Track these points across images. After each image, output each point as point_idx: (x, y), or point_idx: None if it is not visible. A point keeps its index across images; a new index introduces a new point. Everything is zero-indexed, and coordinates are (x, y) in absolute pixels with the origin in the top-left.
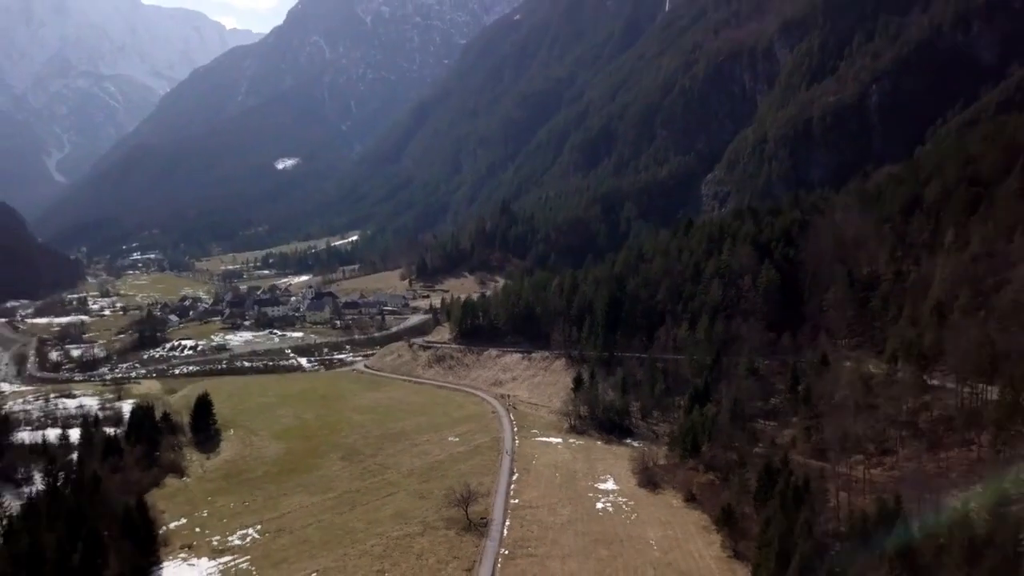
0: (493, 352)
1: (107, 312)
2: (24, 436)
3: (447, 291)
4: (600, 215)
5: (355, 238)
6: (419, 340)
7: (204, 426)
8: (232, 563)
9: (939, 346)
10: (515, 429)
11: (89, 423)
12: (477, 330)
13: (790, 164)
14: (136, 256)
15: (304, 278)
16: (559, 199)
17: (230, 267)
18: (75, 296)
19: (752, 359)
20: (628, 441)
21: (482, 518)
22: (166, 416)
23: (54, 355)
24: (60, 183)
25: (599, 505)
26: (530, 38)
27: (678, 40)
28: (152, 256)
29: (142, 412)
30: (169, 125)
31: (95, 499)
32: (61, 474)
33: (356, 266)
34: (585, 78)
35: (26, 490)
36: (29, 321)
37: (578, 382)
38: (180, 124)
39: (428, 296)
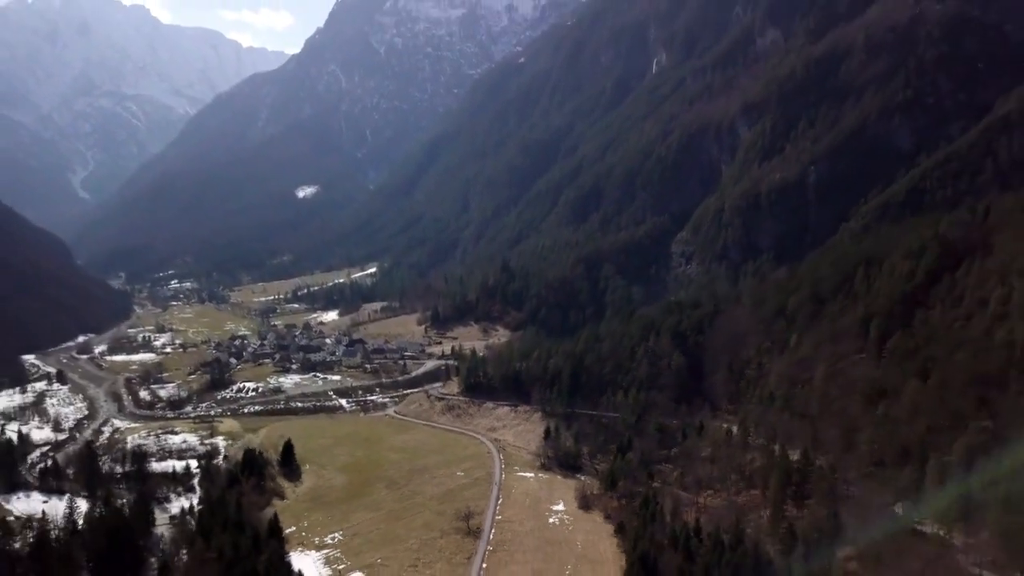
0: (490, 405)
1: (169, 349)
2: (154, 465)
3: (456, 338)
4: (583, 274)
5: (373, 270)
6: (435, 391)
7: (289, 462)
8: (330, 553)
9: (767, 420)
10: (503, 466)
11: (200, 457)
12: (479, 385)
13: (743, 231)
14: (174, 284)
15: (332, 315)
16: (552, 251)
17: (261, 299)
18: (134, 329)
19: (660, 421)
20: (578, 476)
21: (478, 528)
22: (261, 454)
23: (144, 394)
24: (84, 200)
25: (551, 520)
26: (533, 84)
27: (659, 108)
28: (188, 285)
29: (252, 453)
30: (194, 151)
31: (240, 513)
32: (195, 496)
33: (378, 306)
34: (581, 129)
35: (169, 507)
36: (108, 359)
37: (547, 432)
38: (204, 150)
39: (440, 343)
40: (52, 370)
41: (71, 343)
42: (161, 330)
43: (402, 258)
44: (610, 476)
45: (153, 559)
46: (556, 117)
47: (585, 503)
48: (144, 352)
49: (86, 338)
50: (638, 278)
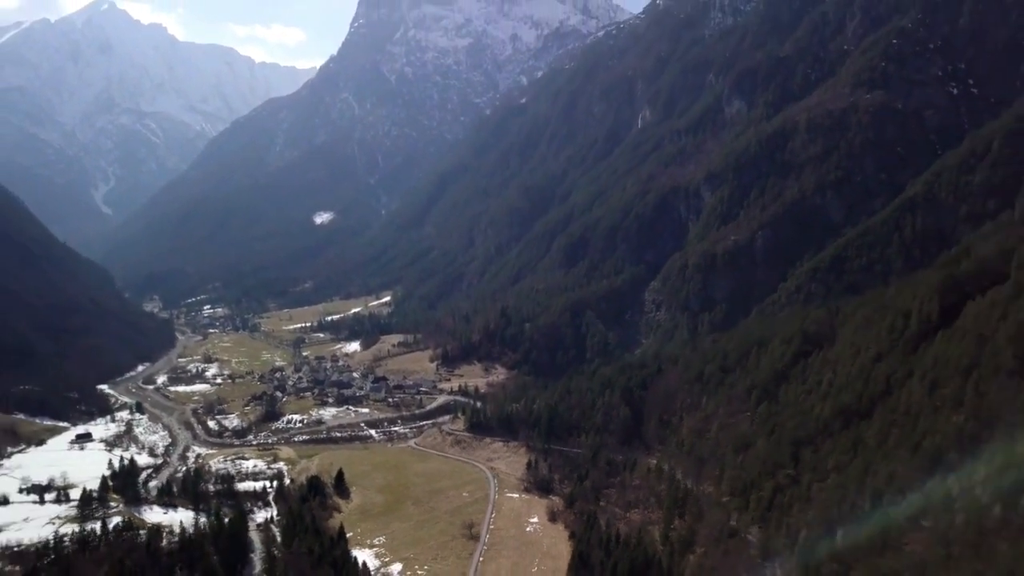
0: (487, 440)
1: (220, 380)
2: (237, 485)
3: (462, 376)
4: (568, 320)
5: (388, 299)
6: (447, 427)
7: (341, 485)
8: (377, 551)
9: (679, 459)
10: (496, 489)
11: (270, 479)
12: (479, 424)
13: (702, 285)
14: (207, 309)
15: (354, 345)
16: (545, 295)
17: (289, 327)
18: (183, 359)
19: (609, 457)
20: (550, 496)
21: (477, 533)
22: (320, 478)
23: (212, 424)
24: (108, 215)
25: (528, 528)
26: (533, 129)
27: (640, 166)
28: (220, 311)
29: (315, 478)
30: (215, 175)
31: (314, 522)
32: (271, 510)
33: (396, 340)
34: (574, 176)
35: (254, 518)
36: (172, 389)
37: (529, 463)
38: (225, 175)
39: (449, 380)
40: (129, 400)
41: (133, 373)
42: (208, 360)
43: (414, 289)
44: (571, 497)
45: (252, 554)
46: (553, 163)
47: (552, 517)
48: (199, 383)
49: (144, 367)
50: (615, 322)
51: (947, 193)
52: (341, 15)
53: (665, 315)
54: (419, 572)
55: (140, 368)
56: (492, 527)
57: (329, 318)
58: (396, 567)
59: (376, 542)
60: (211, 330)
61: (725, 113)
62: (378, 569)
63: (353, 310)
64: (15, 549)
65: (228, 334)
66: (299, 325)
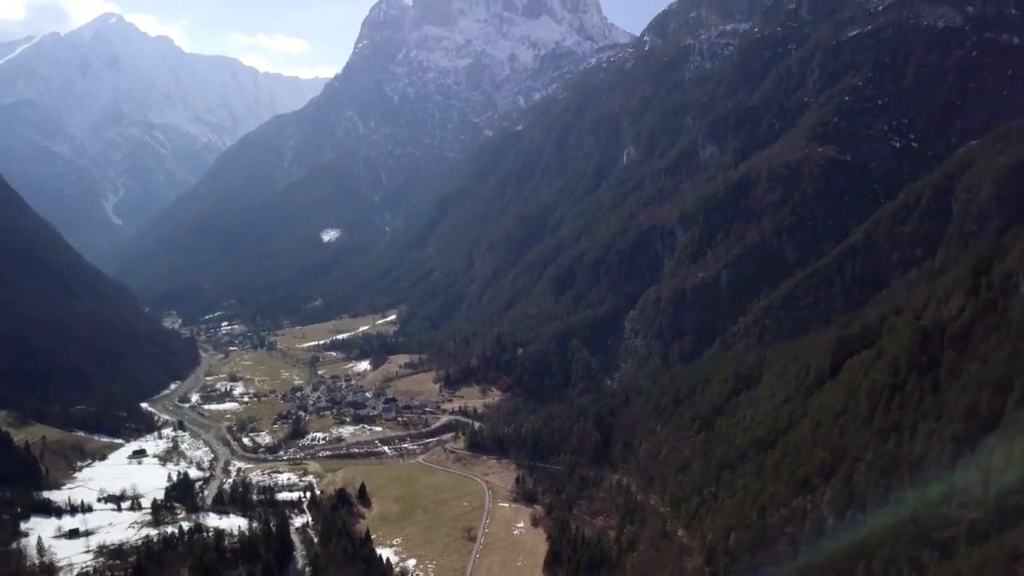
0: (484, 457)
1: (247, 399)
2: (277, 496)
3: (463, 397)
4: (556, 348)
5: (393, 317)
6: (449, 446)
7: (363, 495)
8: (396, 549)
9: (637, 476)
10: (491, 499)
11: (302, 490)
12: (477, 444)
13: (673, 316)
14: (225, 326)
15: (364, 364)
16: (536, 321)
17: (303, 345)
18: (211, 378)
19: (582, 474)
20: (534, 506)
21: (475, 536)
22: (345, 490)
23: (246, 440)
24: (118, 226)
25: (515, 532)
26: (528, 159)
27: (622, 203)
28: (237, 327)
29: (343, 490)
30: (225, 191)
31: (345, 527)
32: (306, 516)
33: (403, 361)
34: (564, 208)
35: (293, 523)
36: (206, 407)
37: (518, 478)
38: (235, 192)
39: (451, 401)
40: (170, 418)
41: (167, 391)
42: (234, 379)
43: (418, 309)
44: (550, 507)
45: (295, 552)
46: (545, 193)
47: (535, 522)
48: (229, 401)
49: (176, 385)
50: (598, 348)
51: (883, 241)
52: (343, 27)
53: (641, 342)
54: (429, 566)
55: (173, 386)
56: (487, 531)
57: (340, 336)
58: (411, 562)
59: (394, 543)
60: (231, 348)
61: (700, 156)
62: (397, 564)
63: (361, 328)
64: (111, 547)
65: (248, 352)
66: (312, 343)
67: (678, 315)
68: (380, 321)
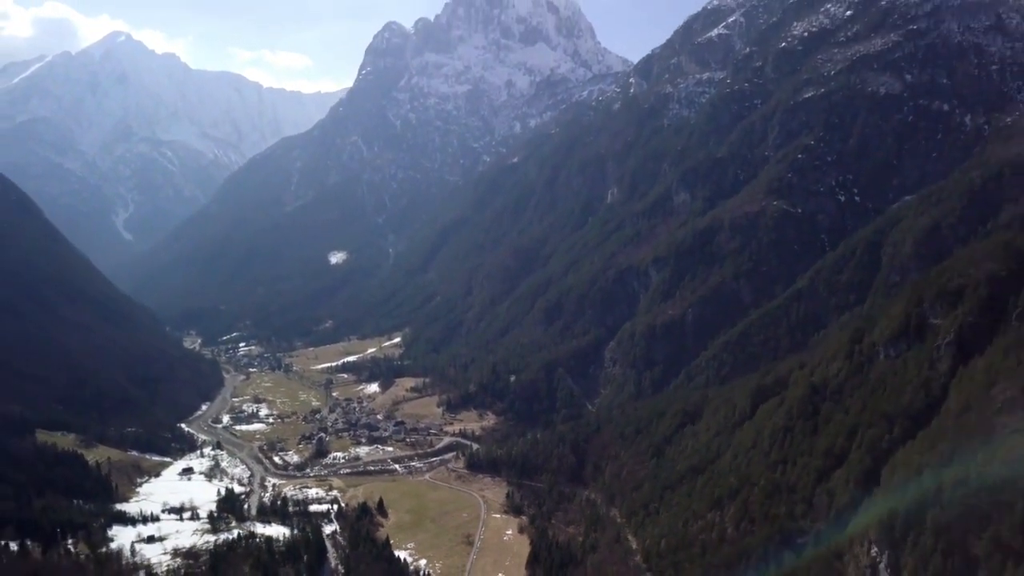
0: (480, 476)
1: (272, 420)
2: (310, 507)
3: (462, 420)
4: (543, 376)
5: (398, 340)
6: (451, 464)
7: (381, 508)
8: (410, 551)
9: (603, 492)
10: (485, 511)
11: (329, 503)
12: (475, 464)
13: (645, 349)
14: (243, 347)
15: (374, 386)
16: (528, 350)
17: (317, 366)
18: (238, 399)
19: (560, 490)
20: (521, 516)
21: (472, 541)
22: (366, 503)
23: (276, 459)
24: (129, 241)
25: (504, 538)
26: (522, 193)
27: (605, 242)
28: (254, 349)
29: (363, 504)
30: (235, 212)
31: (368, 534)
32: (334, 525)
33: (410, 384)
34: (555, 242)
35: (324, 530)
36: (236, 428)
37: (508, 494)
38: (245, 214)
39: (452, 424)
40: (207, 438)
41: (199, 412)
42: (258, 401)
43: (421, 332)
44: (533, 518)
45: (328, 555)
46: (537, 228)
47: (521, 530)
48: (256, 422)
49: (206, 406)
50: (581, 376)
51: (823, 287)
52: (345, 43)
53: (619, 371)
54: (437, 565)
55: (204, 407)
56: (482, 537)
57: (350, 358)
58: (423, 562)
59: (408, 546)
60: (251, 369)
61: (674, 201)
62: (411, 563)
63: (370, 350)
64: (184, 550)
65: (266, 374)
66: (325, 365)
67: (650, 348)
68: (386, 343)
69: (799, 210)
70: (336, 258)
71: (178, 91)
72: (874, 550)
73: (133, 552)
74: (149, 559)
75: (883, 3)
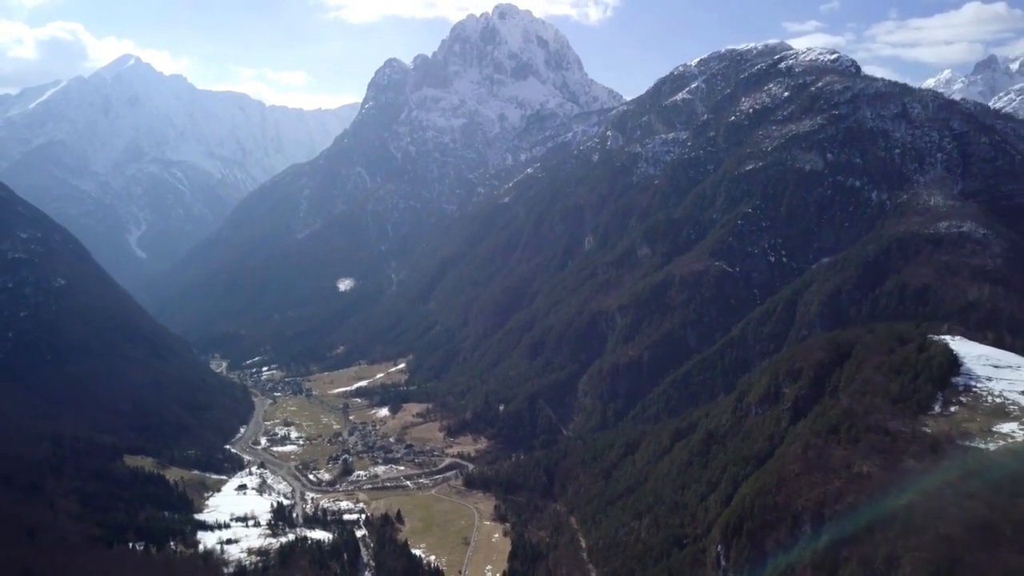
0: (475, 491)
1: (301, 442)
2: (344, 516)
3: (460, 444)
4: (527, 406)
5: (403, 365)
6: (451, 482)
7: (399, 517)
8: (422, 550)
9: (571, 506)
10: (478, 520)
11: (358, 513)
12: (470, 481)
13: (611, 384)
14: (265, 371)
15: (384, 411)
16: (516, 381)
17: (333, 391)
18: (269, 422)
19: (536, 503)
20: (505, 524)
21: (469, 542)
22: (387, 514)
23: (311, 476)
24: (142, 259)
25: (493, 540)
26: (512, 234)
27: (581, 287)
28: (275, 373)
29: (385, 514)
30: (247, 239)
31: (392, 538)
32: (364, 530)
33: (416, 410)
34: (540, 282)
35: (357, 535)
36: (273, 449)
37: (496, 506)
38: (257, 240)
39: (452, 447)
40: (251, 458)
41: (239, 435)
42: (287, 424)
43: (423, 359)
44: (514, 525)
45: (361, 553)
46: (525, 268)
47: (505, 534)
48: (288, 444)
49: (244, 429)
50: (558, 405)
51: (751, 336)
52: (346, 63)
53: (589, 402)
54: (443, 559)
55: (242, 430)
56: (476, 539)
57: (362, 383)
58: (432, 557)
59: (421, 546)
60: (276, 394)
61: (637, 255)
62: (424, 559)
63: (378, 375)
64: (257, 550)
65: (290, 398)
66: (340, 389)
67: (614, 383)
68: (392, 369)
69: (736, 269)
70: (344, 285)
71: (185, 111)
72: (719, 546)
73: (222, 551)
74: (232, 556)
75: (813, 89)
